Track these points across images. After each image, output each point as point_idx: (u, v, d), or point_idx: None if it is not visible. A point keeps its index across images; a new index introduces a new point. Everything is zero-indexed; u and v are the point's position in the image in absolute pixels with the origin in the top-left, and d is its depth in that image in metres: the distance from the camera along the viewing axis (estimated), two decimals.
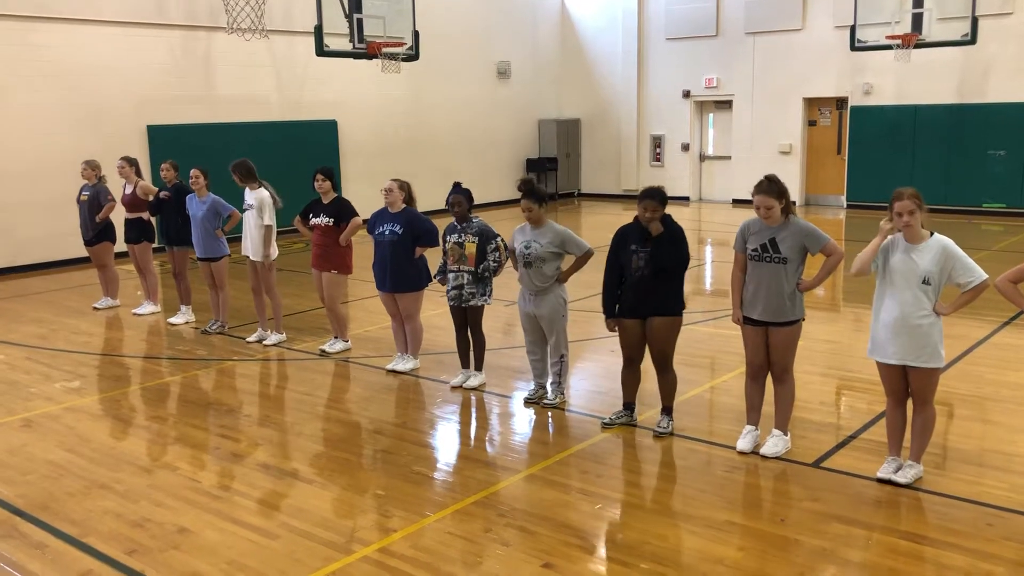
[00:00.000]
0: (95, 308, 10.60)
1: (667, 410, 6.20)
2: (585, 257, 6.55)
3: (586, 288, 8.97)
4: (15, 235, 13.22)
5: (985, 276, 4.95)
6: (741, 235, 5.65)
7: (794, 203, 5.81)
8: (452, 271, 7.04)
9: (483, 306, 7.08)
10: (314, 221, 8.03)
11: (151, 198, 9.86)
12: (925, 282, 4.96)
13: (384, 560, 4.49)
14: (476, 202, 7.25)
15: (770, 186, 5.45)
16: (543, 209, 6.50)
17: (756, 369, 5.75)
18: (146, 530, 4.88)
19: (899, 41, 16.14)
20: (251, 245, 8.57)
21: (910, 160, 17.77)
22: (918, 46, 16.24)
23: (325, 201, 8.05)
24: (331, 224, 7.97)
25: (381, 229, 7.45)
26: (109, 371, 8.23)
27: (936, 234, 5.04)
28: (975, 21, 16.00)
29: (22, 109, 13.16)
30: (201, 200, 8.99)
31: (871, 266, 5.15)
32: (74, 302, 11.09)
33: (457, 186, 7.02)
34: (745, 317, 5.68)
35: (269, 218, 8.47)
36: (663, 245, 5.84)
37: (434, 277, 7.34)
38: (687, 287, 6.22)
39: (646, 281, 5.90)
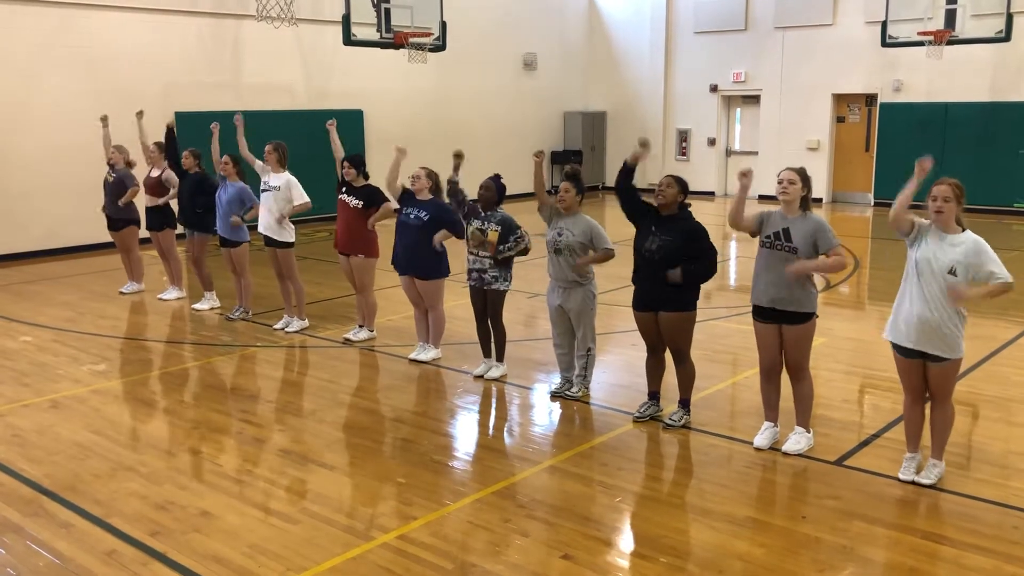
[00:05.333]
0: (121, 292, 10.72)
1: (683, 403, 6.20)
2: (606, 254, 6.48)
3: (614, 280, 8.95)
4: (44, 219, 13.37)
5: (1011, 279, 4.87)
6: (758, 217, 5.62)
7: (818, 200, 5.78)
8: (472, 254, 7.06)
9: (504, 292, 7.08)
10: (345, 197, 8.05)
11: (172, 190, 10.02)
12: (951, 272, 4.89)
13: (403, 547, 4.52)
14: None
15: (799, 167, 5.59)
16: (578, 199, 6.52)
17: (770, 367, 5.72)
18: (169, 512, 4.93)
19: (931, 37, 15.95)
20: (270, 226, 8.60)
21: (940, 158, 17.41)
22: (950, 43, 16.03)
23: (356, 186, 8.09)
24: (360, 207, 7.99)
25: (407, 211, 7.49)
26: (134, 355, 8.31)
27: (969, 231, 4.98)
28: (1010, 18, 15.78)
29: (51, 94, 13.30)
30: (230, 185, 9.05)
31: (907, 222, 5.00)
32: (101, 286, 11.22)
33: (496, 177, 7.09)
34: (755, 307, 5.66)
35: (302, 197, 8.57)
36: (679, 238, 5.82)
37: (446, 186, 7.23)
38: (709, 283, 6.20)
39: (655, 268, 5.89)
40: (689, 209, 6.02)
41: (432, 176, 7.55)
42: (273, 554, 4.46)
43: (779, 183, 5.49)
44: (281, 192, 8.53)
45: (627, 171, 6.10)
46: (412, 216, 7.43)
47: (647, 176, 21.28)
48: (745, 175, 5.52)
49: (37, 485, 5.32)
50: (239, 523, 4.80)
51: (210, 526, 4.77)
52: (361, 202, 7.98)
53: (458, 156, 7.27)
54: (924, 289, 4.96)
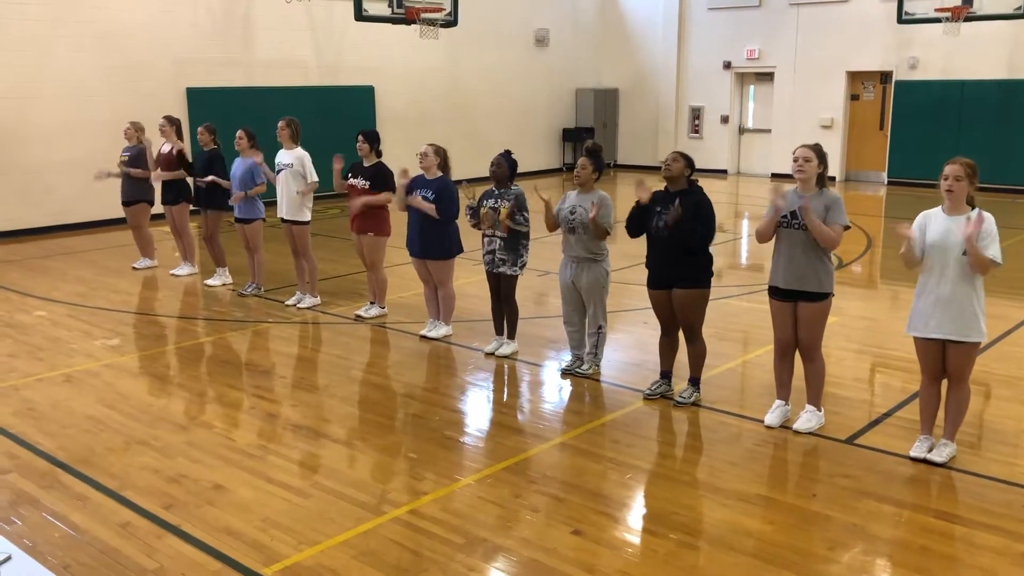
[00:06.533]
0: (134, 268, 10.76)
1: (693, 381, 6.19)
2: (601, 230, 6.37)
3: (626, 258, 8.93)
4: (58, 194, 13.41)
5: (1000, 263, 4.86)
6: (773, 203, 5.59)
7: (832, 179, 5.75)
8: (486, 235, 7.06)
9: (515, 276, 7.09)
10: (351, 182, 8.07)
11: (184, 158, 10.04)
12: (966, 253, 4.88)
13: (414, 522, 4.55)
14: None
15: (815, 144, 5.55)
16: (594, 176, 6.48)
17: (784, 345, 5.71)
18: (182, 486, 4.97)
19: (948, 14, 15.76)
20: (286, 206, 8.64)
21: (955, 137, 17.40)
22: (968, 19, 15.85)
23: (365, 164, 8.08)
24: (367, 187, 7.99)
25: (416, 193, 7.47)
26: (147, 330, 8.36)
27: (978, 208, 4.96)
28: None
29: (63, 69, 13.29)
30: (243, 160, 9.06)
31: (917, 252, 5.06)
32: (114, 262, 11.26)
33: (507, 152, 7.06)
34: (771, 288, 5.64)
35: (312, 175, 8.59)
36: (685, 212, 5.80)
37: (466, 212, 7.21)
38: (721, 261, 6.19)
39: (665, 244, 5.88)
40: (698, 184, 5.99)
41: (440, 152, 7.51)
42: (285, 528, 4.49)
43: (795, 160, 5.47)
44: (295, 168, 8.54)
45: (640, 211, 6.03)
46: (420, 198, 7.41)
47: (659, 155, 21.21)
48: (780, 197, 5.41)
49: (52, 458, 5.37)
50: (252, 497, 4.84)
51: (223, 499, 4.81)
52: (368, 183, 7.97)
53: (470, 195, 7.20)
54: (940, 270, 4.94)
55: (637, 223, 6.08)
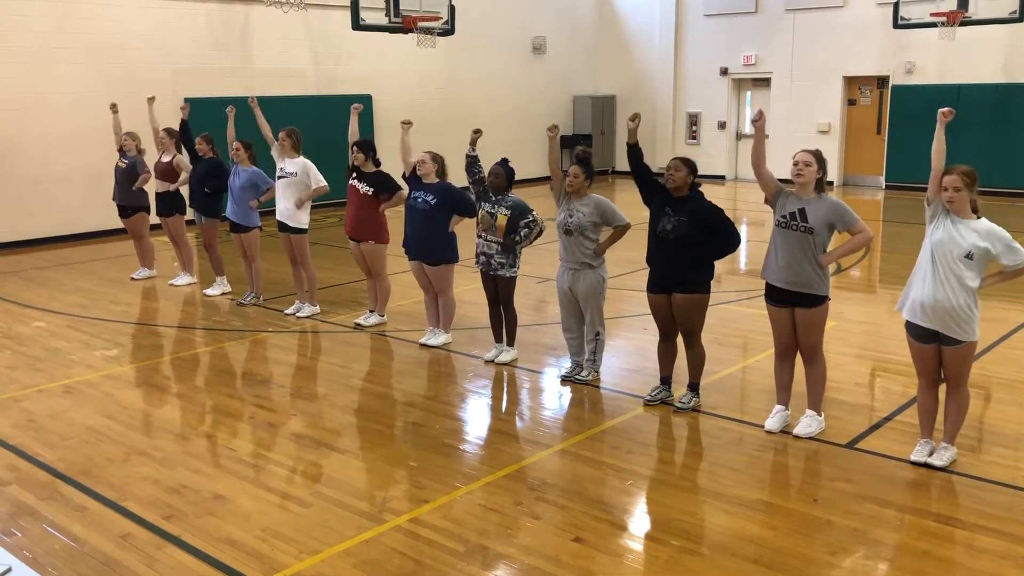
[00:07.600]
0: (133, 279, 10.76)
1: (692, 386, 6.20)
2: (623, 230, 6.54)
3: (624, 265, 8.93)
4: (56, 206, 13.42)
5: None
6: (778, 186, 5.60)
7: (831, 183, 5.80)
8: (480, 237, 7.07)
9: (513, 278, 7.09)
10: (355, 183, 8.06)
11: (184, 175, 10.03)
12: (968, 256, 4.88)
13: (415, 530, 4.54)
14: None
15: (815, 150, 5.60)
16: (587, 183, 6.52)
17: (784, 349, 5.71)
18: (183, 496, 4.97)
19: (944, 19, 15.81)
20: (285, 212, 8.62)
21: (952, 141, 17.22)
22: (963, 23, 15.89)
23: (365, 172, 8.09)
24: (370, 193, 8.00)
25: (415, 195, 7.50)
26: (147, 340, 8.35)
27: (984, 218, 4.97)
28: None
29: (62, 82, 13.31)
30: (242, 170, 9.06)
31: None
32: (113, 272, 11.27)
33: (504, 161, 7.07)
34: (768, 289, 5.65)
35: (319, 180, 8.54)
36: (692, 219, 5.81)
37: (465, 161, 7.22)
38: (720, 266, 6.20)
39: (669, 249, 5.89)
40: (700, 189, 6.01)
41: (437, 159, 7.54)
42: (286, 537, 4.49)
43: (794, 164, 5.48)
44: (298, 178, 8.53)
45: (633, 150, 6.07)
46: (419, 200, 7.45)
47: (657, 160, 21.23)
48: (758, 119, 5.53)
49: (52, 469, 5.37)
50: (252, 507, 4.83)
51: (223, 509, 4.80)
52: (371, 189, 7.99)
53: (476, 131, 7.28)
54: (939, 272, 4.94)
55: (636, 161, 6.12)
